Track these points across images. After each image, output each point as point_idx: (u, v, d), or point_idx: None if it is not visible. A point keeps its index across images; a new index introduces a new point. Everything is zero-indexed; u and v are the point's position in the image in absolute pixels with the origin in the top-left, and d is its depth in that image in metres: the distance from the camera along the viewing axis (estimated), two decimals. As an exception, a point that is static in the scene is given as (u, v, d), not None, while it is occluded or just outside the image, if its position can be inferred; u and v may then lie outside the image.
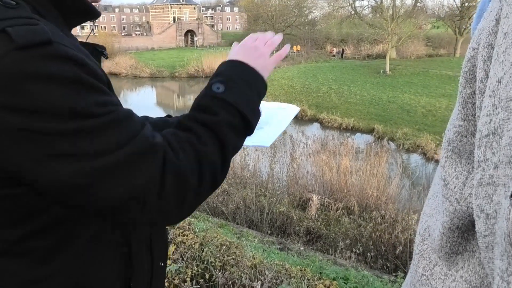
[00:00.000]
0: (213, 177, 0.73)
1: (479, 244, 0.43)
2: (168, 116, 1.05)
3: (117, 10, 68.57)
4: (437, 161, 10.90)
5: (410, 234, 5.72)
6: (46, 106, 0.61)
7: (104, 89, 0.68)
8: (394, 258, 5.51)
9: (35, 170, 0.62)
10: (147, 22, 65.08)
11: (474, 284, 0.48)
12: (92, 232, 0.71)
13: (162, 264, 0.85)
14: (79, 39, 0.81)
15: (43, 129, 0.61)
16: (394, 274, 4.39)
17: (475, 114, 0.46)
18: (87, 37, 0.88)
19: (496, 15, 0.42)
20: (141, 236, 0.78)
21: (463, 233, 0.49)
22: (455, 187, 0.49)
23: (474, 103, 0.46)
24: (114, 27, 64.42)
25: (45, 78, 0.61)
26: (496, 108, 0.39)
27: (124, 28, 66.25)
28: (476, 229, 0.43)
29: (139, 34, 62.54)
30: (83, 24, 0.87)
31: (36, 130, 0.61)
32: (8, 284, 0.69)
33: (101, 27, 61.91)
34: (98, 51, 0.81)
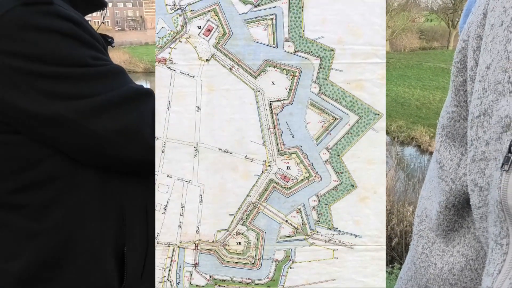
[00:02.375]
0: None
1: (474, 216, 0.47)
2: None
3: (110, 4, 67.79)
4: (431, 153, 10.93)
5: (406, 226, 5.75)
6: (47, 53, 0.68)
7: (99, 47, 0.76)
8: (390, 250, 5.54)
9: (35, 108, 0.68)
10: (141, 17, 64.47)
11: (470, 257, 0.52)
12: (84, 195, 0.75)
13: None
14: None
15: (44, 72, 0.68)
16: (390, 265, 4.43)
17: (466, 100, 0.50)
18: (97, 28, 0.92)
19: (484, 9, 0.46)
20: (135, 204, 0.80)
21: (458, 211, 0.53)
22: (450, 168, 0.53)
23: (466, 90, 0.50)
24: (108, 21, 63.79)
25: (46, 30, 0.68)
26: (486, 91, 0.43)
27: (117, 23, 65.63)
28: (470, 203, 0.47)
29: (133, 29, 62.02)
30: (88, 18, 0.92)
31: (37, 73, 0.68)
32: (5, 236, 0.73)
33: (94, 21, 61.31)
34: (106, 41, 0.86)
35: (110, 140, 0.72)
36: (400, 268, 3.98)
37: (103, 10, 0.93)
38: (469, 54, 0.48)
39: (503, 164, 0.40)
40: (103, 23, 1.10)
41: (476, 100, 0.45)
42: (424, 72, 19.48)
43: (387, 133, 13.83)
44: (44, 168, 0.72)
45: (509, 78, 0.41)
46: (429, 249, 0.56)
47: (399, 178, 8.64)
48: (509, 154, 0.39)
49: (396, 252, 5.41)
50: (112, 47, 0.90)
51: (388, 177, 8.48)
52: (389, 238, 5.82)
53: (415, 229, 0.60)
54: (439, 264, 0.54)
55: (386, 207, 6.41)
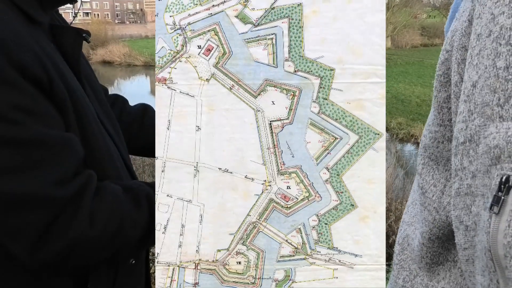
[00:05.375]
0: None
1: (460, 257, 0.42)
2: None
3: (110, -3, 67.56)
4: (431, 151, 10.91)
5: (404, 224, 5.78)
6: None
7: (30, 91, 0.59)
8: (388, 247, 5.54)
9: None
10: (141, 10, 64.31)
11: None
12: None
13: (133, 261, 0.80)
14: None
15: None
16: (387, 263, 4.45)
17: (451, 119, 0.45)
18: (71, 22, 0.86)
19: (469, 15, 0.40)
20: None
21: (443, 243, 0.48)
22: (433, 196, 0.47)
23: (450, 107, 0.44)
24: (108, 14, 63.58)
25: None
26: (472, 114, 0.37)
27: (117, 16, 65.42)
28: (455, 241, 0.42)
29: (133, 22, 61.88)
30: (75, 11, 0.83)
31: None
32: None
33: (94, 14, 61.14)
34: (81, 36, 0.77)
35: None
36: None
37: (75, 2, 0.80)
38: (453, 67, 0.42)
39: (492, 205, 0.34)
40: (74, 17, 0.94)
41: (461, 124, 0.39)
42: (425, 69, 19.44)
43: (387, 130, 13.81)
44: None
45: (499, 100, 0.34)
46: (410, 282, 0.52)
47: (398, 175, 8.65)
48: (499, 193, 0.33)
49: (393, 249, 5.43)
50: (88, 42, 0.80)
51: (387, 174, 8.46)
52: (386, 236, 5.84)
53: (396, 258, 0.55)
54: None
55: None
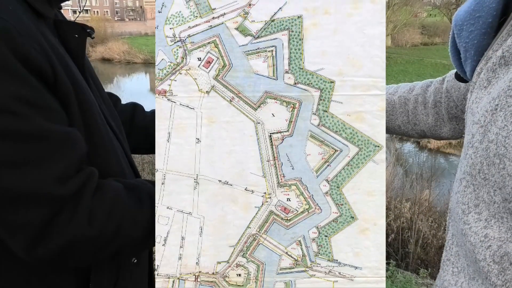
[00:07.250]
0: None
1: None
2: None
3: (109, -6, 67.33)
4: (430, 150, 10.96)
5: (403, 222, 5.80)
6: None
7: (33, 84, 0.58)
8: (387, 246, 5.58)
9: None
10: (141, 7, 64.17)
11: None
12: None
13: (135, 260, 0.80)
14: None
15: None
16: (386, 261, 4.46)
17: None
18: (75, 18, 0.85)
19: None
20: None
21: None
22: None
23: None
24: (107, 11, 63.43)
25: None
26: None
27: (117, 13, 65.27)
28: None
29: (132, 19, 61.73)
30: (75, 8, 0.82)
31: None
32: None
33: (94, 11, 61.01)
34: (85, 32, 0.77)
35: None
36: (396, 265, 3.99)
37: None
38: None
39: None
40: (80, 12, 0.92)
41: None
42: (425, 68, 19.40)
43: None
44: None
45: None
46: None
47: (397, 174, 8.66)
48: None
49: (392, 248, 5.45)
50: (92, 38, 0.79)
51: (386, 173, 8.46)
52: (385, 234, 5.84)
53: (496, 279, 0.49)
54: None
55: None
